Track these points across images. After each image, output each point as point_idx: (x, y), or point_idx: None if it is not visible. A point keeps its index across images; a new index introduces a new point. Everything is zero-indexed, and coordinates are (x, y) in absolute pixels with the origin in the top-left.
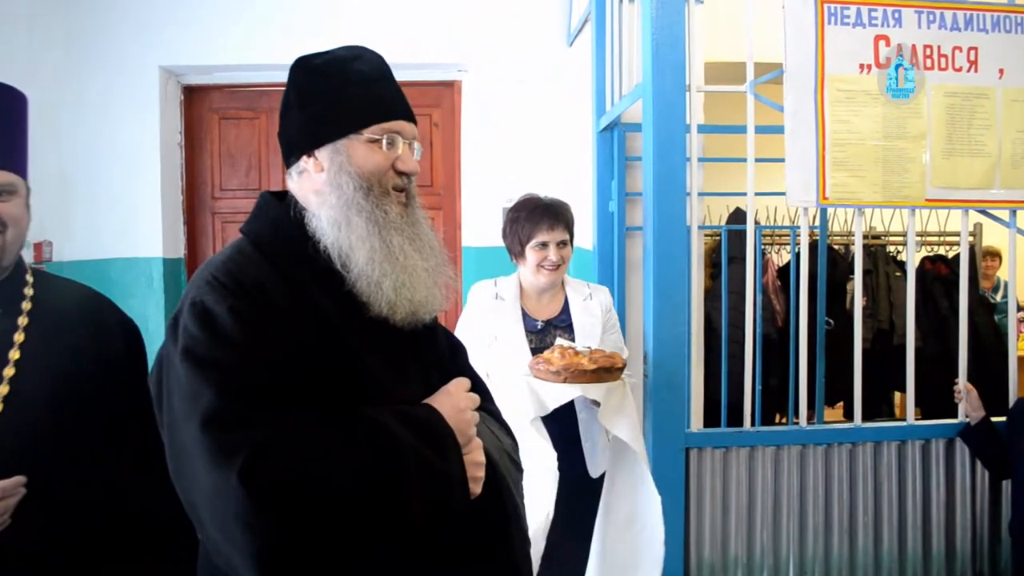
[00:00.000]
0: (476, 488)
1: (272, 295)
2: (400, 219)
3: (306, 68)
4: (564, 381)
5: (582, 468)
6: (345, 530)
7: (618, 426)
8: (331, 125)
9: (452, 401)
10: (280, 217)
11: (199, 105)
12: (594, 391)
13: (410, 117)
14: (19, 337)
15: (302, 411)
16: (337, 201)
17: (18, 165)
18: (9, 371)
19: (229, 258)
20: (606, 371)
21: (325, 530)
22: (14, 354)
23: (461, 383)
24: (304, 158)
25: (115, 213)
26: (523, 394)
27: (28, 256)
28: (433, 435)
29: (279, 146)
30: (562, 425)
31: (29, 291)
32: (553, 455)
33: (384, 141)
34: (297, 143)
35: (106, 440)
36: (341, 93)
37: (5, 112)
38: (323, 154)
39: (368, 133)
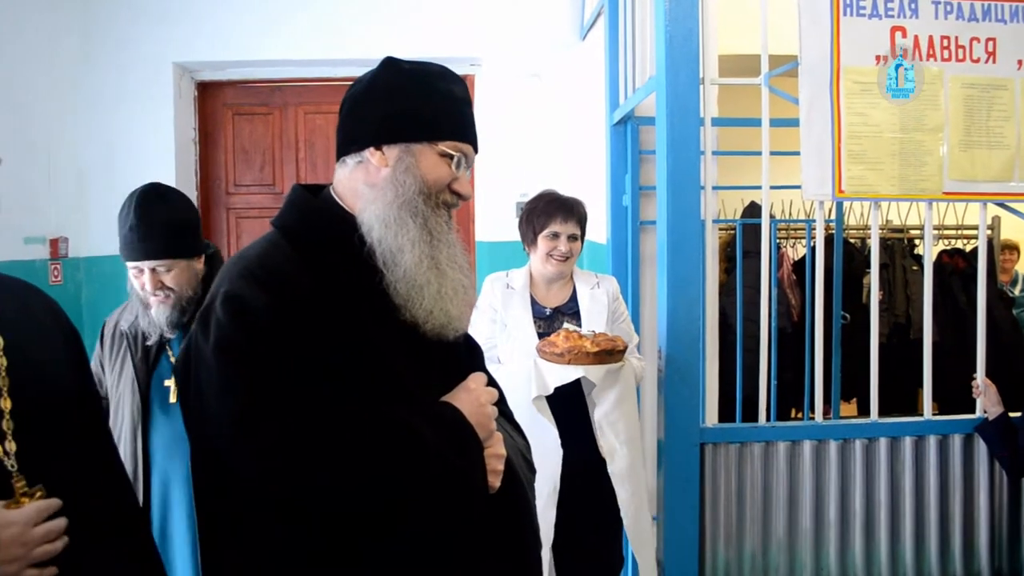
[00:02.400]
0: (495, 481)
1: (306, 291)
2: (447, 235)
3: (396, 67)
4: (568, 362)
5: (595, 443)
6: (369, 528)
7: (603, 401)
8: (412, 125)
9: (471, 396)
10: (315, 211)
11: (213, 101)
12: (594, 372)
13: (477, 146)
14: None
15: (332, 410)
16: (395, 199)
17: None
18: (4, 381)
19: (263, 251)
20: (608, 353)
21: (351, 527)
22: (0, 360)
23: (479, 378)
24: (371, 149)
25: None
26: (530, 375)
27: (44, 252)
28: (455, 434)
29: (336, 134)
30: (574, 405)
31: None
32: (556, 434)
33: (455, 159)
34: (366, 134)
35: (96, 441)
36: (428, 100)
37: None
38: (392, 151)
39: (443, 146)
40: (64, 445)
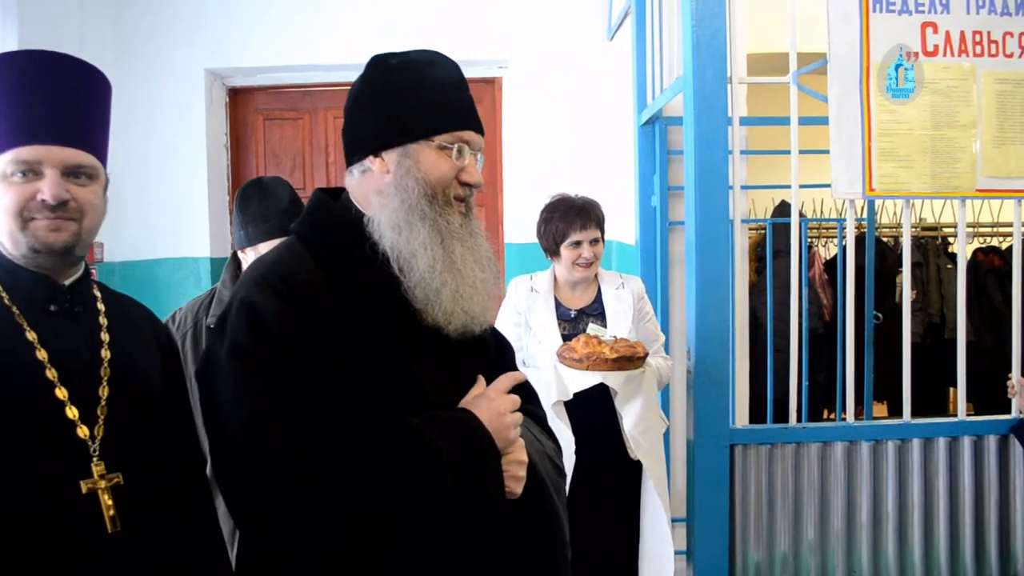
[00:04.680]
0: (516, 488)
1: (321, 297)
2: (462, 229)
3: (382, 67)
4: (586, 368)
5: (620, 449)
6: (381, 534)
7: (629, 412)
8: (403, 128)
9: (491, 405)
10: (334, 217)
11: (244, 106)
12: (613, 379)
13: (480, 128)
14: (105, 337)
15: (344, 417)
16: (400, 205)
17: (100, 150)
18: (106, 371)
19: (279, 258)
20: (627, 360)
21: (364, 533)
22: (105, 353)
23: (500, 385)
24: (371, 157)
25: (164, 214)
26: (550, 379)
27: None
28: (470, 440)
29: (342, 141)
30: (599, 408)
31: (97, 292)
32: (571, 439)
33: (454, 150)
34: (365, 142)
35: (181, 441)
36: (416, 96)
37: (91, 92)
38: (391, 156)
39: (439, 140)
40: (146, 435)
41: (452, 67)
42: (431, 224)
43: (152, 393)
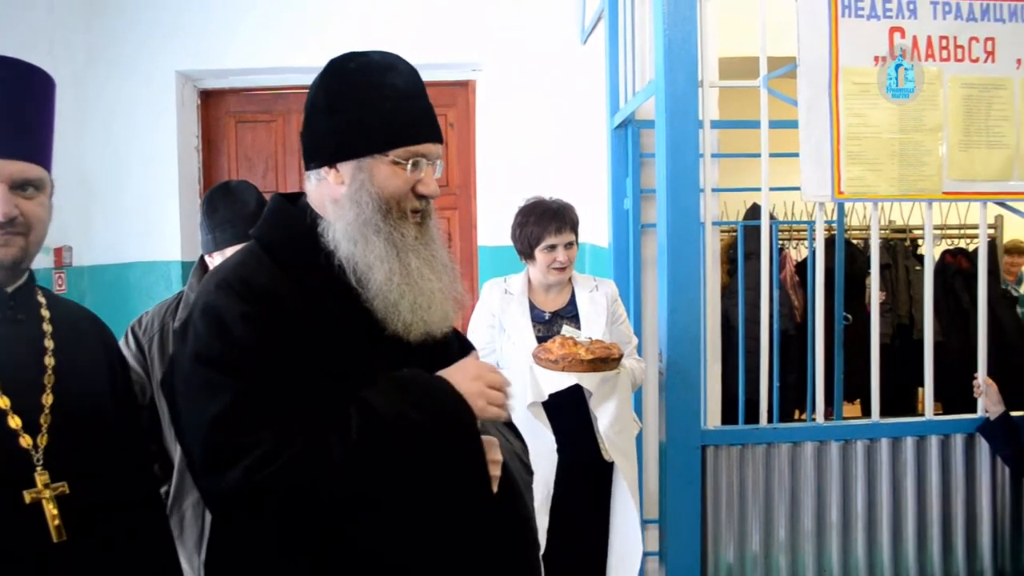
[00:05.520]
0: (493, 485)
1: (284, 301)
2: (416, 241)
3: (339, 73)
4: (562, 369)
5: (595, 452)
6: (352, 533)
7: (604, 413)
8: (357, 141)
9: (466, 373)
10: (293, 222)
11: (216, 109)
12: (588, 380)
13: (437, 138)
14: (49, 344)
15: (307, 422)
16: (355, 218)
17: (46, 158)
18: (49, 379)
19: (240, 262)
20: (602, 361)
21: (334, 533)
22: (49, 360)
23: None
24: (326, 168)
25: (134, 217)
26: (526, 380)
27: (48, 261)
28: (442, 410)
29: (300, 143)
30: (573, 409)
31: (42, 299)
32: (552, 440)
33: (408, 165)
34: (320, 152)
35: (130, 451)
36: (371, 108)
37: (33, 95)
38: (345, 168)
39: (393, 155)
40: (93, 443)
41: (410, 73)
42: (386, 238)
43: (99, 400)
